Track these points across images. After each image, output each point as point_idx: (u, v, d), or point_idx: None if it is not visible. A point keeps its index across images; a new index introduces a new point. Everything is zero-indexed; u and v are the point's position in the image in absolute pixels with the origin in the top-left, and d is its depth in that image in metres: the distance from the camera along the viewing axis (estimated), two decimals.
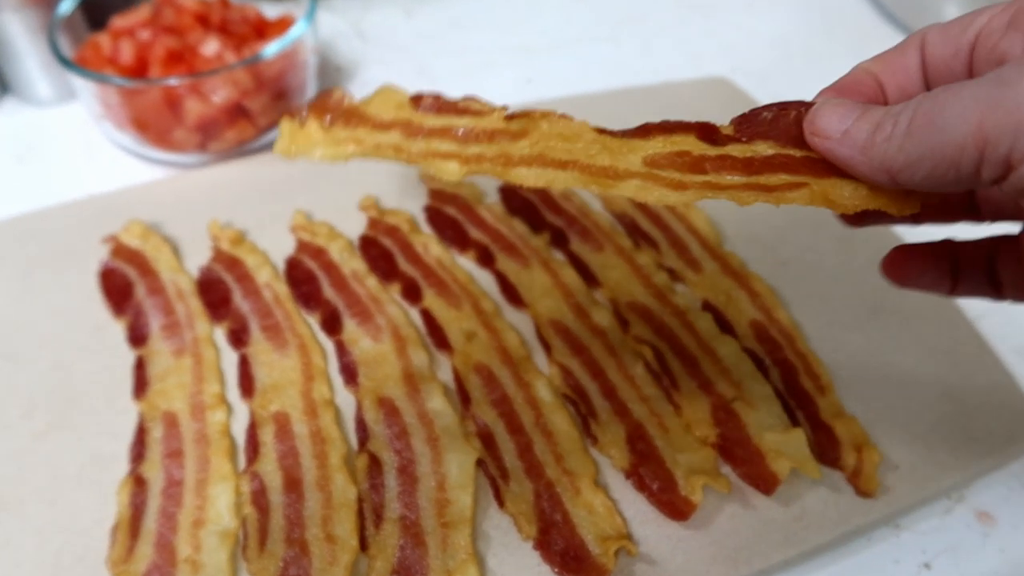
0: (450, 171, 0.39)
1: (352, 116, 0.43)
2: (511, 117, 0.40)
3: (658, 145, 0.37)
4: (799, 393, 0.55)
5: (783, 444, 0.51)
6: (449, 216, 0.68)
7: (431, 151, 0.40)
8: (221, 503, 0.50)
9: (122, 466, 0.52)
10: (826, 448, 0.52)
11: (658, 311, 0.60)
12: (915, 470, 0.51)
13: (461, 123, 0.40)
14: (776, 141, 0.37)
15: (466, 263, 0.65)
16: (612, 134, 0.38)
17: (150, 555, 0.47)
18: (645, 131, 0.38)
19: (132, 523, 0.49)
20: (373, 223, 0.67)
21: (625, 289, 0.61)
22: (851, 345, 0.58)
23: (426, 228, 0.68)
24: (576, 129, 0.39)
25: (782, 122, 0.37)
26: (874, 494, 0.50)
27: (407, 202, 0.70)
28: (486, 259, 0.64)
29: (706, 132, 0.37)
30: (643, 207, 0.68)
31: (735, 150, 0.37)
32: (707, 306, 0.60)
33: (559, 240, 0.66)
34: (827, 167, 0.35)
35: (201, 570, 0.47)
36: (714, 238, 0.65)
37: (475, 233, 0.66)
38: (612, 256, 0.64)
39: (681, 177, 0.36)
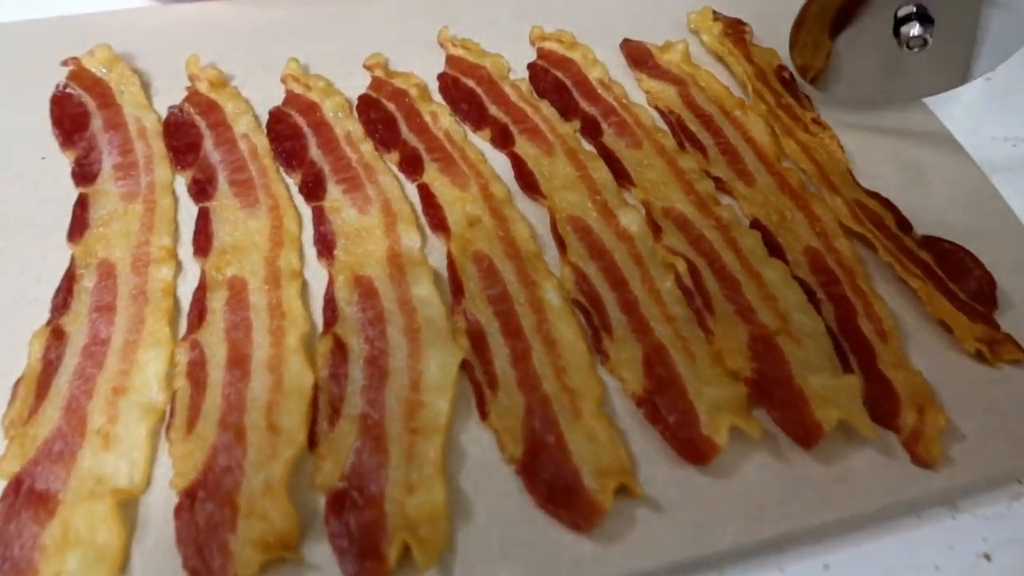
0: None
1: None
2: None
3: None
4: (855, 336, 0.45)
5: (832, 390, 0.42)
6: (466, 87, 0.58)
7: None
8: (150, 371, 0.41)
9: (42, 314, 0.44)
10: (881, 403, 0.43)
11: (698, 222, 0.50)
12: (985, 443, 0.42)
13: None
14: None
15: (480, 143, 0.55)
16: None
17: (55, 419, 0.39)
18: None
19: (41, 380, 0.41)
20: (377, 83, 0.58)
21: (662, 193, 0.52)
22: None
23: (438, 97, 0.58)
24: None
25: None
26: (934, 464, 0.41)
27: (420, 66, 0.60)
28: (503, 140, 0.55)
29: None
30: (693, 105, 0.58)
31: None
32: (756, 224, 0.51)
33: (591, 130, 0.56)
34: None
35: (114, 445, 0.39)
36: (772, 152, 0.55)
37: (494, 110, 0.56)
38: (651, 155, 0.54)
39: None
